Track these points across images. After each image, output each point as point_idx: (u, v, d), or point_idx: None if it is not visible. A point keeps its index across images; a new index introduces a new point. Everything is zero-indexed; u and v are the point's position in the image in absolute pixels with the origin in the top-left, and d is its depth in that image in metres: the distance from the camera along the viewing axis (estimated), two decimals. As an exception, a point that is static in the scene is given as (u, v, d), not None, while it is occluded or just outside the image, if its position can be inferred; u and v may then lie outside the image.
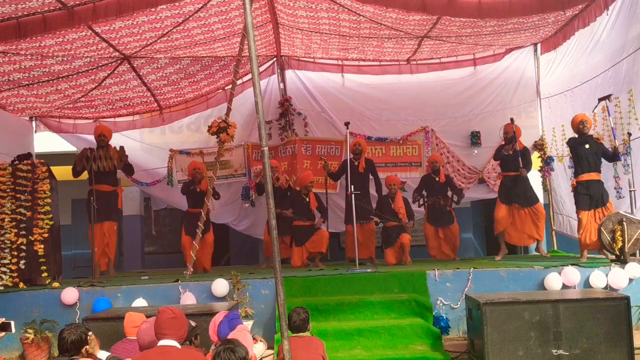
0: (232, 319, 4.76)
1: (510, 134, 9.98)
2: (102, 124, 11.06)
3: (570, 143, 9.10)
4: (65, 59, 8.95)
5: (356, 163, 10.45)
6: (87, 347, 4.34)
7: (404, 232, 9.94)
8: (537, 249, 10.14)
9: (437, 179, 10.75)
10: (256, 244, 12.67)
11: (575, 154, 8.98)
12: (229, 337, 4.39)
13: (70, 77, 9.66)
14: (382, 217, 10.10)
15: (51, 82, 9.67)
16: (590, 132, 9.03)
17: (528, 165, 10.06)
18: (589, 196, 8.73)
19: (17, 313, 7.49)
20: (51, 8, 7.40)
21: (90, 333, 4.40)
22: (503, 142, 10.22)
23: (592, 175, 8.77)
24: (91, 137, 11.67)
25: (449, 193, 10.74)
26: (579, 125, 8.97)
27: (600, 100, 8.99)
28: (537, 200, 9.96)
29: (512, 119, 10.10)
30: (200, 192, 10.32)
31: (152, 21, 8.43)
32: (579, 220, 8.91)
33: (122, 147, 10.66)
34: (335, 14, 9.06)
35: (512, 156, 9.92)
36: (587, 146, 8.81)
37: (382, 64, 12.14)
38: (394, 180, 10.31)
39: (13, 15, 7.38)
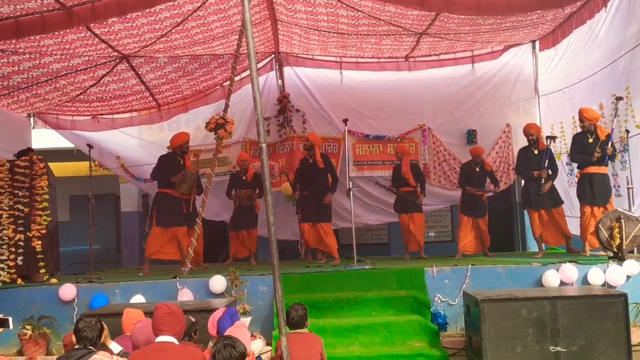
0: (233, 314, 4.77)
1: (537, 134, 9.73)
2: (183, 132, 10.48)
3: (576, 136, 9.05)
4: (64, 57, 8.94)
5: (311, 161, 10.12)
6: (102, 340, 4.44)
7: (418, 205, 10.47)
8: (570, 249, 9.73)
9: (477, 168, 10.52)
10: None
11: (580, 146, 8.91)
12: (226, 333, 4.40)
13: (69, 75, 9.63)
14: (395, 190, 10.64)
15: (49, 81, 9.65)
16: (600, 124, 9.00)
17: (554, 168, 9.68)
18: (592, 190, 8.70)
19: (15, 309, 7.52)
20: (50, 8, 7.37)
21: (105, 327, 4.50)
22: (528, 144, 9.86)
23: (597, 169, 8.72)
24: (88, 134, 11.70)
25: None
26: (579, 121, 8.96)
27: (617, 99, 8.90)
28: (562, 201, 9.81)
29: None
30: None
31: (152, 22, 8.41)
32: (581, 214, 8.92)
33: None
34: (334, 9, 9.05)
35: (540, 155, 9.58)
36: (590, 140, 8.77)
37: (380, 61, 12.12)
38: (401, 149, 10.86)
39: (11, 15, 7.36)
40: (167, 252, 9.52)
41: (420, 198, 10.51)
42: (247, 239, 10.91)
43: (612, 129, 8.75)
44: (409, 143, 12.13)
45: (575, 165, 9.54)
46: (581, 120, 8.89)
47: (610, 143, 8.55)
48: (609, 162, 8.82)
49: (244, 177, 10.86)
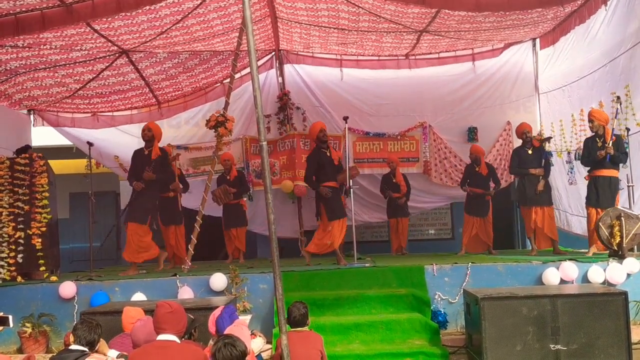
0: (231, 313, 4.77)
1: (531, 132, 9.77)
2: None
3: (586, 142, 8.96)
4: (63, 50, 8.92)
5: (146, 152, 9.27)
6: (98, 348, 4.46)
7: (406, 210, 11.47)
8: (556, 250, 9.64)
9: (477, 168, 10.76)
10: (254, 238, 12.69)
11: (588, 151, 8.81)
12: (226, 331, 4.39)
13: (68, 65, 9.61)
14: (387, 191, 11.47)
15: (49, 69, 9.61)
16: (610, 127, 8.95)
17: (549, 167, 9.74)
18: (596, 193, 8.63)
19: (15, 307, 7.49)
20: (50, 5, 7.37)
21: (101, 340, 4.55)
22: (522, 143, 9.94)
23: (604, 172, 8.61)
24: (87, 133, 11.67)
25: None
26: (588, 122, 8.92)
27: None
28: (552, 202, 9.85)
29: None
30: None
31: (151, 20, 8.41)
32: (587, 216, 8.89)
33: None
34: (335, 5, 9.05)
35: (534, 155, 9.61)
36: (599, 143, 8.66)
37: (380, 58, 12.13)
38: (392, 159, 11.56)
39: (11, 12, 7.35)
40: (327, 244, 9.28)
41: (403, 200, 11.42)
42: (236, 238, 10.94)
43: (612, 129, 8.72)
44: (409, 140, 12.15)
45: (574, 163, 9.53)
46: (590, 120, 8.77)
47: (611, 143, 8.51)
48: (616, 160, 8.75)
49: (228, 177, 10.89)
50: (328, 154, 9.38)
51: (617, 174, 8.69)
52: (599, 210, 8.60)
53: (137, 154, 9.27)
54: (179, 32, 9.13)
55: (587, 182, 8.93)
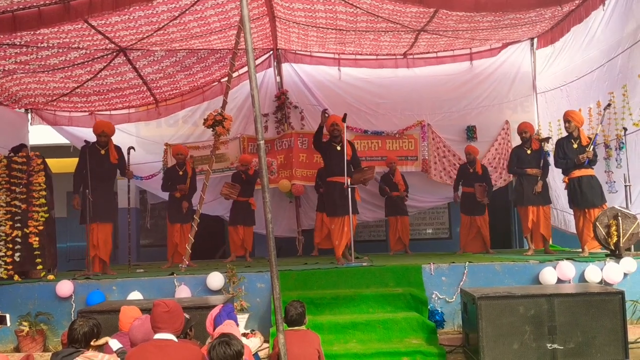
0: (230, 311, 4.77)
1: (531, 132, 9.70)
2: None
3: (559, 142, 9.04)
4: (61, 50, 8.91)
5: (102, 152, 9.10)
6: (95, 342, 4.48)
7: (405, 209, 11.64)
8: (547, 250, 9.68)
9: (472, 169, 10.89)
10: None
11: (563, 152, 8.86)
12: (215, 331, 4.41)
13: (66, 68, 9.61)
14: (386, 189, 11.60)
15: (47, 72, 9.61)
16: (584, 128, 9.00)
17: (547, 167, 9.70)
18: (581, 193, 8.67)
19: (12, 306, 7.49)
20: (47, 2, 7.36)
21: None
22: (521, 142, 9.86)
23: (583, 172, 8.67)
24: (84, 132, 11.62)
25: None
26: (564, 122, 8.96)
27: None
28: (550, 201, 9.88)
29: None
30: (182, 175, 10.31)
31: (149, 15, 8.40)
32: (575, 218, 8.92)
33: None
34: (332, 7, 9.04)
35: (532, 155, 9.58)
36: (575, 145, 8.75)
37: (378, 57, 12.14)
38: (392, 158, 11.71)
39: (9, 9, 7.35)
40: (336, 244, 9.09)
41: (405, 200, 11.70)
42: (244, 236, 10.93)
43: (596, 135, 8.75)
44: (408, 139, 12.17)
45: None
46: (568, 121, 8.83)
47: (592, 147, 8.57)
48: (593, 164, 8.78)
49: (244, 177, 10.91)
50: (338, 148, 8.95)
51: (594, 172, 8.76)
52: (586, 210, 8.65)
53: (89, 151, 8.90)
54: (176, 29, 9.12)
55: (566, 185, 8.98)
